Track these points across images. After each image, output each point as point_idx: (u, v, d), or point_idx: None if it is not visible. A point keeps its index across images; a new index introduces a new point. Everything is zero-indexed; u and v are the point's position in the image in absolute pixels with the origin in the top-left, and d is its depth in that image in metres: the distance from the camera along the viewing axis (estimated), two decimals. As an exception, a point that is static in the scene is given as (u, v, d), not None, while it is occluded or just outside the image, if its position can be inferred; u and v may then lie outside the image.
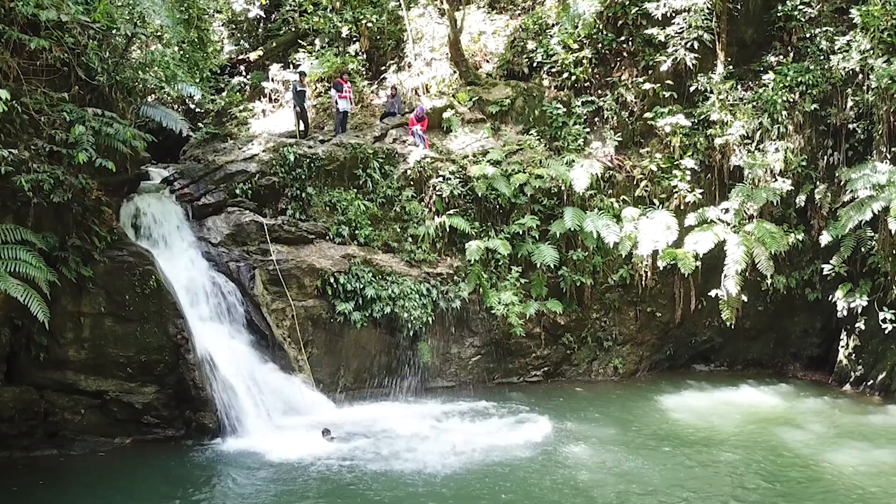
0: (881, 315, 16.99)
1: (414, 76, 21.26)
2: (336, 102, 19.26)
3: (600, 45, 19.92)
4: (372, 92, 21.55)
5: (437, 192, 18.04)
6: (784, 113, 18.46)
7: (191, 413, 13.34)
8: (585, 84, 19.98)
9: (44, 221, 11.98)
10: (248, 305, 15.36)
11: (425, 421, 14.62)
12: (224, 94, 22.48)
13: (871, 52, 17.56)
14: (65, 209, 12.14)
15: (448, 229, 17.74)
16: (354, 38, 22.87)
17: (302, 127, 19.55)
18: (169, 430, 13.39)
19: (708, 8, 18.84)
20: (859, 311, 17.60)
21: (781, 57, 19.31)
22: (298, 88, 19.40)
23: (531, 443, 13.50)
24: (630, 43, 19.88)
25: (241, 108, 22.21)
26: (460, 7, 21.17)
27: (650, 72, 19.48)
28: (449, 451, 12.80)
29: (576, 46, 19.83)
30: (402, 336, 16.67)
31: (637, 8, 19.53)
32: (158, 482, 11.48)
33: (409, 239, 17.65)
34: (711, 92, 18.90)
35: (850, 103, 18.20)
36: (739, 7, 19.46)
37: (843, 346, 18.37)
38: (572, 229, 17.85)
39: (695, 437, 14.01)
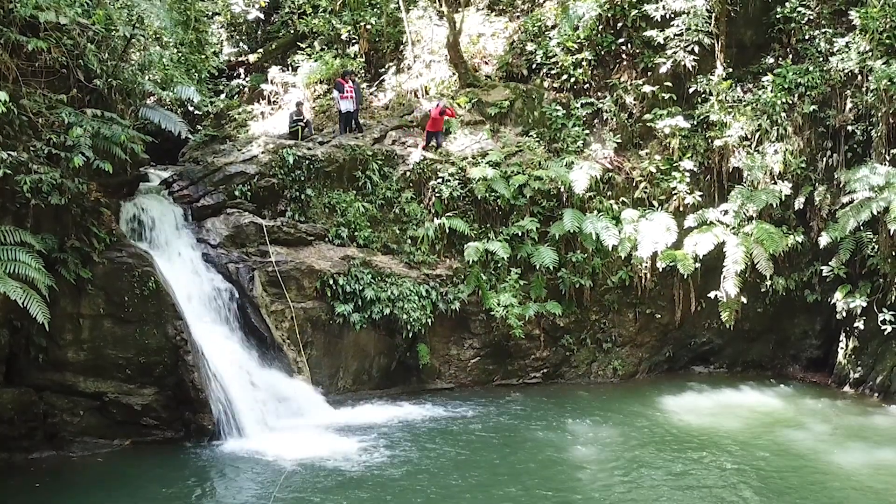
0: (880, 316, 16.96)
1: (413, 78, 21.26)
2: (338, 103, 19.22)
3: (599, 47, 19.90)
4: (371, 94, 21.55)
5: (437, 194, 18.03)
6: (783, 115, 18.43)
7: (190, 414, 13.32)
8: (585, 86, 19.95)
9: (43, 223, 11.96)
10: (247, 307, 15.37)
11: (424, 423, 14.62)
12: (223, 96, 22.47)
13: (871, 53, 17.55)
14: (64, 211, 12.12)
15: (447, 231, 17.74)
16: (353, 41, 22.88)
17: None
18: (168, 431, 13.36)
19: (707, 10, 18.84)
20: (858, 312, 17.57)
21: (780, 59, 19.28)
22: (295, 118, 19.22)
23: (532, 444, 13.50)
24: (629, 45, 19.86)
25: (240, 110, 22.23)
26: (459, 9, 21.18)
27: (649, 74, 19.48)
28: (449, 454, 12.79)
29: (575, 48, 19.83)
30: (401, 337, 16.66)
31: (636, 10, 19.50)
32: (157, 484, 11.46)
33: (409, 240, 17.65)
34: (710, 94, 18.90)
35: (849, 105, 18.18)
36: (738, 9, 19.43)
37: (842, 348, 18.36)
38: (571, 231, 17.82)
39: (696, 439, 14.00)
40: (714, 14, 18.95)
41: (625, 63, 19.99)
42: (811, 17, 18.99)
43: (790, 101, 18.47)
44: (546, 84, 20.16)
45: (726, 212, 18.24)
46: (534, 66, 20.39)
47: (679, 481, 11.87)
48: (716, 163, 19.00)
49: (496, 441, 13.71)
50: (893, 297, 16.93)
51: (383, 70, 22.19)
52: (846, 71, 17.95)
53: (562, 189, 18.25)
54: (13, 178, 11.06)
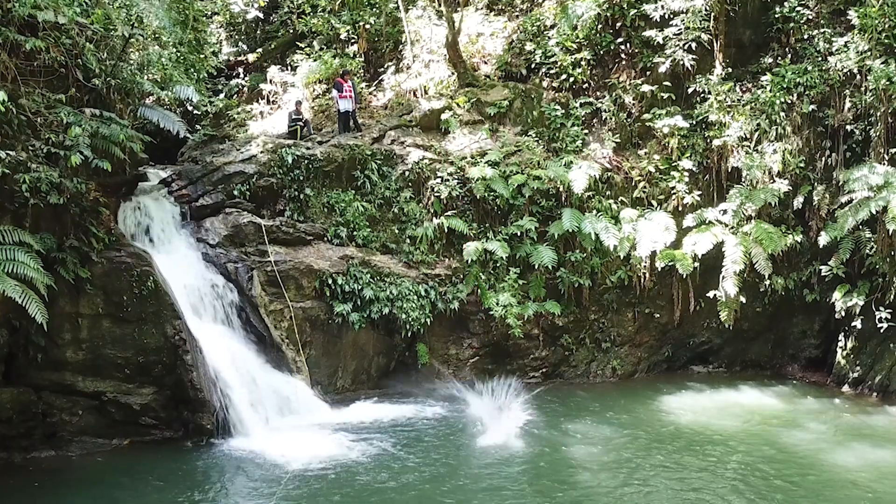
0: (878, 315, 16.99)
1: (412, 78, 21.26)
2: (337, 103, 19.22)
3: (598, 46, 19.91)
4: (370, 93, 21.56)
5: (436, 194, 18.03)
6: (782, 114, 18.42)
7: (189, 414, 13.34)
8: (584, 86, 19.96)
9: (42, 223, 11.98)
10: (246, 306, 15.38)
11: (423, 422, 14.62)
12: (222, 95, 22.46)
13: (869, 53, 17.55)
14: (63, 210, 12.14)
15: (446, 230, 17.75)
16: (353, 40, 22.88)
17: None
18: (167, 431, 13.39)
19: (706, 9, 18.86)
20: (857, 311, 17.57)
21: (779, 58, 19.26)
22: (294, 117, 19.27)
23: (532, 444, 13.50)
24: (628, 44, 19.88)
25: (238, 109, 22.22)
26: (458, 9, 21.19)
27: (648, 73, 19.48)
28: (449, 453, 12.79)
29: (574, 48, 19.84)
30: (400, 337, 16.67)
31: (635, 10, 19.52)
32: (156, 483, 11.47)
33: (408, 240, 17.65)
34: (709, 93, 18.90)
35: (847, 104, 18.17)
36: (737, 9, 19.42)
37: (841, 348, 18.36)
38: (570, 231, 17.81)
39: (694, 438, 14.00)
40: (713, 14, 18.95)
41: (624, 63, 20.00)
42: (810, 17, 19.00)
43: (789, 101, 18.47)
44: (545, 84, 20.17)
45: (725, 211, 18.24)
46: (533, 65, 20.39)
47: (678, 480, 11.88)
48: (715, 162, 19.00)
49: (495, 440, 13.68)
50: (892, 297, 16.93)
51: (382, 70, 22.19)
52: (845, 70, 17.95)
53: (561, 189, 18.25)
54: (12, 177, 11.08)
